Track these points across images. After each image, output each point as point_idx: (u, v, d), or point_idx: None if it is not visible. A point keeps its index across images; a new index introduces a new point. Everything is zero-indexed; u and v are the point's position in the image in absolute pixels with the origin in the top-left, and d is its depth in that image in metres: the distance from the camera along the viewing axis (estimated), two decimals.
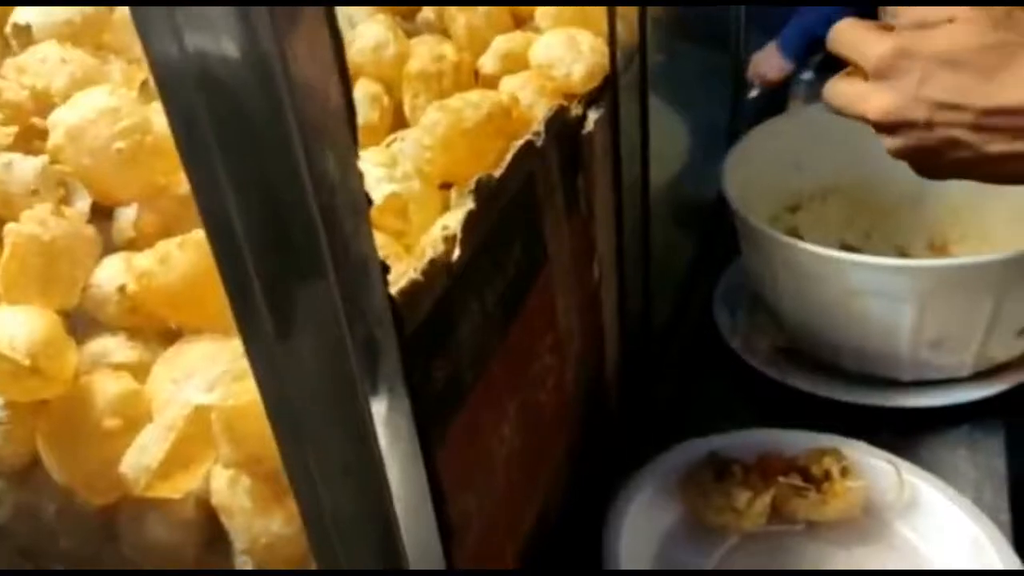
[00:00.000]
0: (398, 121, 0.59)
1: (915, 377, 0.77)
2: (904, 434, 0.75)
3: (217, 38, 0.23)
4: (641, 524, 0.61)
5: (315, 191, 0.24)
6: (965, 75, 0.50)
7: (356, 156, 0.26)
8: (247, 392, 0.35)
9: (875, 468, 0.62)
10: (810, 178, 0.92)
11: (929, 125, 0.51)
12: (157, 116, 0.47)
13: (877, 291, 0.71)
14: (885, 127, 0.53)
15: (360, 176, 0.26)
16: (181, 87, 0.24)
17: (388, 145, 0.54)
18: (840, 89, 0.56)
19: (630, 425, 0.74)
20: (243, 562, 0.42)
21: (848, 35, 0.55)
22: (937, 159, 0.53)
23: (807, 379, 0.79)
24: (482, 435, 0.45)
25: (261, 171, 0.25)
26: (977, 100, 0.50)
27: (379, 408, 0.30)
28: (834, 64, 0.58)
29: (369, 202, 0.27)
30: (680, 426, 0.71)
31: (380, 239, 0.49)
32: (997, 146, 0.50)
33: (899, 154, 0.54)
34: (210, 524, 0.42)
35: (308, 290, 0.26)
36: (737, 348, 0.84)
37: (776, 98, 1.66)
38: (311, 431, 0.30)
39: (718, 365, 0.85)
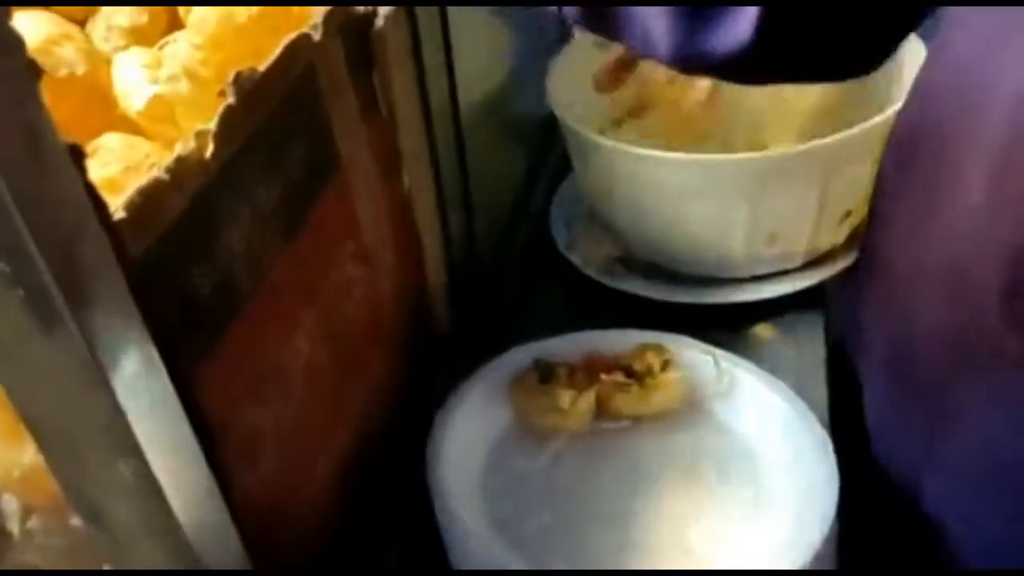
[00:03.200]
0: (173, 24, 0.54)
1: (750, 274, 0.78)
2: (730, 327, 0.77)
3: None
4: (468, 433, 0.60)
5: None
6: None
7: None
8: None
9: (695, 359, 0.63)
10: (640, 84, 0.91)
11: None
12: None
13: (708, 190, 0.71)
14: None
15: (17, 39, 0.23)
16: None
17: (160, 48, 0.50)
18: None
19: (463, 340, 0.72)
20: (7, 500, 0.39)
21: None
22: None
23: (637, 283, 0.80)
24: (268, 346, 0.43)
25: None
26: None
27: (96, 320, 0.27)
28: None
29: (38, 74, 0.24)
30: (517, 339, 0.70)
31: (148, 147, 0.46)
32: None
33: None
34: None
35: None
36: (574, 260, 0.84)
37: None
38: (14, 352, 0.27)
39: (555, 278, 0.85)
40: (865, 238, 0.74)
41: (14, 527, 0.39)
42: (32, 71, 0.23)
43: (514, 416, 0.63)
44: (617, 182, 0.77)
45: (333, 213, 0.49)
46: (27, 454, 0.35)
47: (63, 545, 0.38)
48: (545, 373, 0.62)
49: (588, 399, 0.61)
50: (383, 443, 0.58)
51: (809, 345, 0.76)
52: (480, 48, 0.76)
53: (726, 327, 0.77)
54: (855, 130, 0.70)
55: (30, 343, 0.26)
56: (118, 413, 0.28)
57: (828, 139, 0.70)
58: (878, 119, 0.70)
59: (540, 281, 0.86)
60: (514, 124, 0.94)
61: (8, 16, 0.22)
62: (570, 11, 0.59)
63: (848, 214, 0.77)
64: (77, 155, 0.26)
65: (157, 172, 0.34)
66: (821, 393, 0.71)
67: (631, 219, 0.79)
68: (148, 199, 0.33)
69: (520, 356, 0.65)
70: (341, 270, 0.51)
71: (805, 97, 0.82)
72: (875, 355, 0.70)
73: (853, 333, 0.76)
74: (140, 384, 0.29)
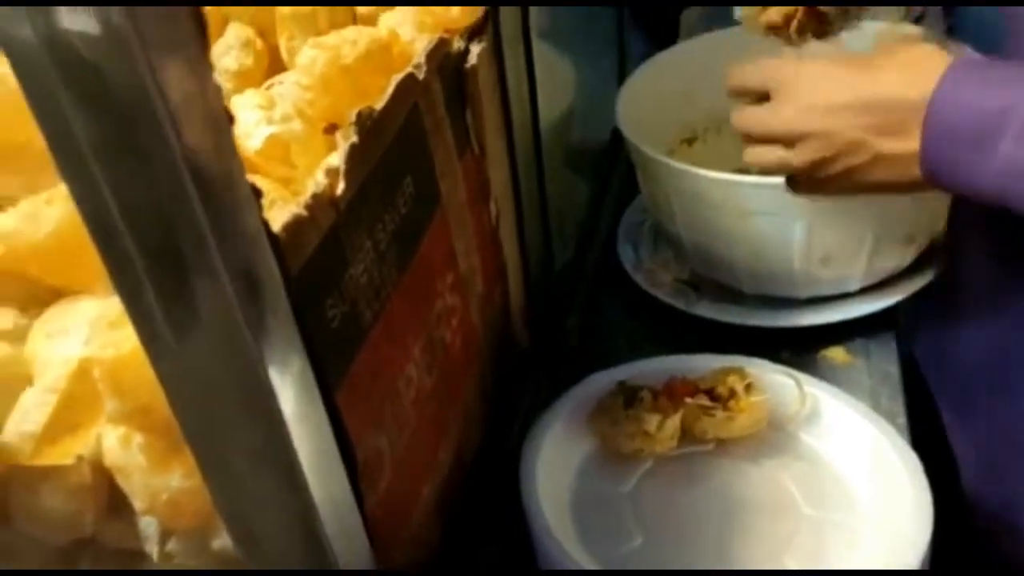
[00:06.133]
0: (276, 67, 0.57)
1: (809, 294, 0.79)
2: (804, 351, 0.78)
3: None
4: (556, 459, 0.61)
5: (165, 111, 0.22)
6: (844, 74, 0.56)
7: (210, 72, 0.24)
8: (127, 339, 0.33)
9: (777, 383, 0.64)
10: (703, 109, 0.93)
11: (827, 134, 0.56)
12: (9, 71, 0.44)
13: (766, 211, 0.73)
14: (788, 140, 0.58)
15: (217, 92, 0.25)
16: (22, 45, 0.22)
17: (267, 88, 0.52)
18: (747, 114, 0.62)
19: (541, 362, 0.74)
20: (147, 524, 0.40)
21: (744, 69, 0.62)
22: (834, 166, 0.57)
23: (710, 307, 0.81)
24: (386, 375, 0.44)
25: (110, 109, 0.23)
26: (861, 91, 0.54)
27: (268, 344, 0.29)
28: None
29: (230, 119, 0.26)
30: (591, 360, 0.72)
31: (266, 185, 0.48)
32: (889, 144, 0.54)
33: (804, 169, 0.59)
34: (108, 487, 0.40)
35: (171, 218, 0.24)
36: (640, 281, 0.86)
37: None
38: (198, 378, 0.29)
39: (624, 300, 0.87)
40: (945, 255, 0.74)
41: (152, 549, 0.40)
42: (229, 119, 0.25)
43: (599, 441, 0.64)
44: (681, 201, 0.79)
45: (435, 246, 0.51)
46: (175, 479, 0.37)
47: (201, 567, 0.40)
48: (629, 397, 0.63)
49: (674, 423, 0.61)
50: (476, 469, 0.60)
51: (883, 368, 0.76)
52: (548, 80, 0.78)
53: (797, 350, 0.78)
54: None
55: (209, 365, 0.28)
56: (284, 433, 0.29)
57: None
58: None
59: (610, 302, 0.87)
60: (579, 152, 0.95)
61: (217, 88, 0.24)
62: None
63: (912, 238, 0.78)
64: (257, 194, 0.28)
65: (296, 208, 0.36)
66: (900, 416, 0.71)
67: (694, 237, 0.81)
68: (292, 235, 0.35)
69: (602, 381, 0.66)
70: (442, 300, 0.52)
71: None
72: (962, 380, 0.70)
73: (930, 355, 0.76)
74: (301, 406, 0.31)
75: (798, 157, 0.58)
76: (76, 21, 0.21)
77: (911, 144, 0.52)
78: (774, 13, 0.66)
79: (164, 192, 0.24)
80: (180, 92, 0.22)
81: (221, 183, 0.25)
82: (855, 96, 0.55)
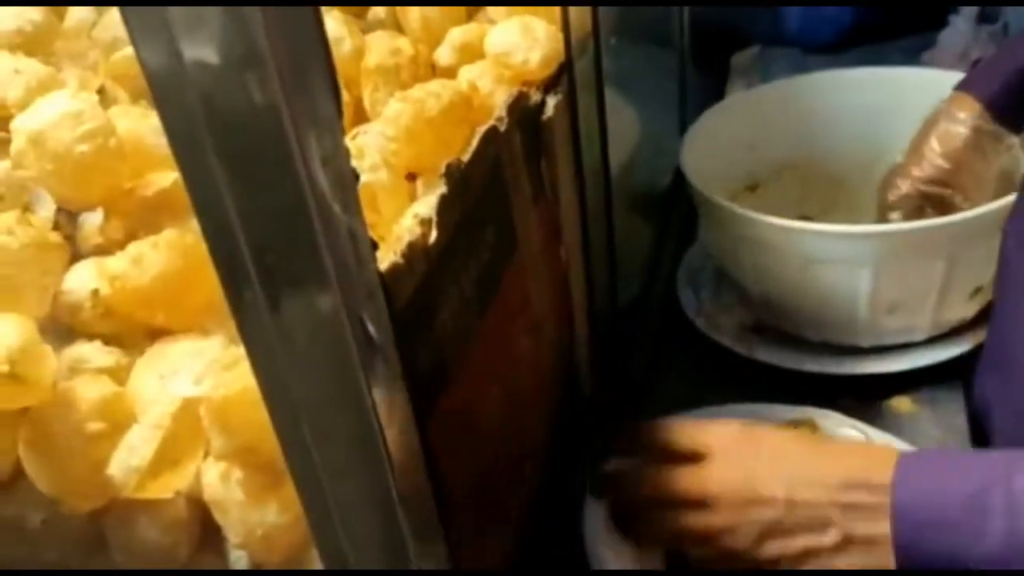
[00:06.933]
0: (358, 116, 0.59)
1: (873, 343, 0.79)
2: (868, 399, 0.77)
3: (209, 38, 0.23)
4: None
5: (305, 169, 0.24)
6: (801, 448, 0.52)
7: (343, 135, 0.26)
8: (238, 380, 0.35)
9: (847, 438, 0.64)
10: (764, 157, 0.94)
11: (791, 504, 0.49)
12: (119, 120, 0.47)
13: (833, 258, 0.73)
14: (734, 503, 0.50)
15: (347, 153, 0.27)
16: (173, 89, 0.24)
17: (352, 139, 0.55)
18: (676, 473, 0.53)
19: (605, 408, 0.74)
20: (238, 557, 0.42)
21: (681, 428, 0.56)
22: (790, 544, 0.49)
23: (772, 352, 0.81)
24: (467, 419, 0.46)
25: (254, 163, 0.25)
26: (828, 468, 0.50)
27: (377, 386, 0.30)
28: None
29: (356, 178, 0.27)
30: (653, 405, 0.72)
31: None
32: (862, 527, 0.48)
33: (743, 542, 0.50)
34: (202, 521, 0.42)
35: (301, 269, 0.26)
36: (701, 326, 0.86)
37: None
38: (309, 415, 0.31)
39: (685, 343, 0.87)
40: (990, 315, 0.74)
41: None
42: (355, 178, 0.27)
43: None
44: (745, 247, 0.79)
45: (511, 291, 0.52)
46: (271, 514, 0.38)
47: None
48: None
49: None
50: (544, 510, 0.60)
51: (950, 419, 0.75)
52: (612, 123, 0.80)
53: (861, 398, 0.77)
54: (980, 209, 0.71)
55: (325, 407, 0.29)
56: (386, 472, 0.31)
57: (951, 217, 0.71)
58: (1004, 200, 0.70)
59: (671, 346, 0.88)
60: (640, 193, 0.97)
61: (342, 135, 0.26)
62: None
63: (978, 290, 0.78)
64: (374, 247, 0.29)
65: (394, 257, 0.38)
66: None
67: (758, 284, 0.81)
68: (391, 281, 0.36)
69: None
70: (517, 344, 0.54)
71: None
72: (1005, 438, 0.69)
73: (992, 405, 0.75)
74: (402, 445, 0.32)
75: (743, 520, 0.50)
76: (232, 95, 0.23)
77: (882, 527, 0.47)
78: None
79: (301, 250, 0.25)
80: (318, 155, 0.24)
81: (346, 236, 0.26)
82: (823, 472, 0.50)
